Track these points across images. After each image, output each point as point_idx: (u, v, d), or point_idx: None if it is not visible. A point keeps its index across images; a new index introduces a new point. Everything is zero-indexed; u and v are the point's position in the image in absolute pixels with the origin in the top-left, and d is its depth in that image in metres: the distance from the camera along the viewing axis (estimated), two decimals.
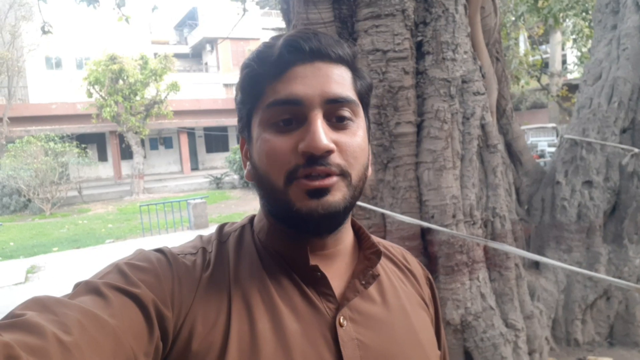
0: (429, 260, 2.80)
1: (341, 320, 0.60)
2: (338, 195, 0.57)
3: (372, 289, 0.66)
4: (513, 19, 12.55)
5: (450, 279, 2.74)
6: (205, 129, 25.59)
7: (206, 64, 33.06)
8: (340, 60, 0.61)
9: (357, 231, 0.71)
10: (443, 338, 0.78)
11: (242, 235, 0.67)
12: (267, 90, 0.60)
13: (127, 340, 0.48)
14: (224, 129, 26.26)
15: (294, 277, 0.62)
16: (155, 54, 21.73)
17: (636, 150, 2.92)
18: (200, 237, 0.68)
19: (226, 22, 26.77)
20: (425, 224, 2.63)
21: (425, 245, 2.83)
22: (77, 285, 0.53)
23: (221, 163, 23.29)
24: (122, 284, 0.52)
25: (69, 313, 0.45)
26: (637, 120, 3.21)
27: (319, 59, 0.59)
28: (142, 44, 25.73)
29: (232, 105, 25.26)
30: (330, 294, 0.62)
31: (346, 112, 0.60)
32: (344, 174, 0.58)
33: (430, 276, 0.80)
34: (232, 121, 24.79)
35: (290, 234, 0.63)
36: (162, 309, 0.53)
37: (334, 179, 0.57)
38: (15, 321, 0.43)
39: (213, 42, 31.10)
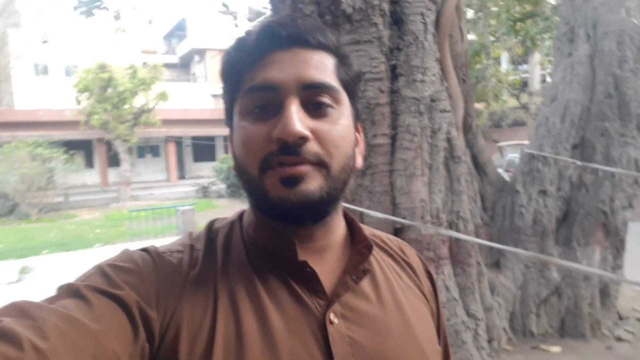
0: None
1: (331, 317, 0.58)
2: (313, 184, 0.56)
3: (365, 284, 0.64)
4: (492, 39, 13.14)
5: None
6: (193, 138, 25.82)
7: (194, 74, 33.35)
8: (320, 46, 0.59)
9: (350, 224, 0.69)
10: (444, 332, 0.75)
11: (231, 231, 0.66)
12: (245, 77, 0.59)
13: (109, 344, 0.47)
14: (211, 138, 26.53)
15: (283, 273, 0.60)
16: (144, 63, 21.97)
17: (579, 162, 3.34)
18: (190, 234, 0.66)
19: (214, 34, 27.22)
20: (402, 221, 3.01)
21: None
22: (59, 289, 0.52)
23: (208, 172, 23.49)
24: (104, 286, 0.51)
25: (47, 318, 0.45)
26: (585, 137, 3.65)
27: (297, 44, 0.58)
28: (131, 53, 25.95)
29: (219, 115, 25.53)
30: (320, 290, 0.60)
31: (325, 99, 0.58)
32: (321, 164, 0.56)
33: (429, 269, 0.77)
34: (220, 131, 25.09)
35: (277, 228, 0.61)
36: (146, 310, 0.52)
37: (307, 167, 0.55)
38: None
39: (201, 53, 31.46)
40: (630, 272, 3.98)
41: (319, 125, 0.57)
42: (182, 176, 26.44)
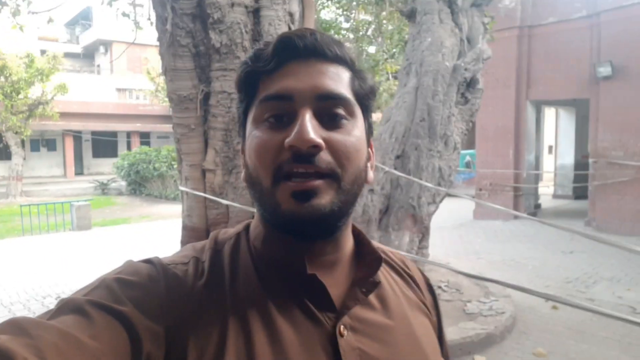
0: None
1: (341, 330, 0.58)
2: (326, 198, 0.55)
3: (373, 296, 0.64)
4: (386, 57, 14.62)
5: None
6: (93, 133, 24.95)
7: (98, 66, 32.09)
8: (337, 59, 0.60)
9: (357, 237, 0.69)
10: (446, 345, 0.76)
11: (238, 243, 0.65)
12: (260, 87, 0.59)
13: None
14: (114, 134, 25.81)
15: (291, 286, 0.60)
16: (42, 52, 20.95)
17: (387, 168, 4.45)
18: (193, 245, 0.66)
19: (122, 25, 26.51)
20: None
21: None
22: (61, 302, 0.51)
23: (108, 169, 22.90)
24: (107, 302, 0.51)
25: (45, 336, 0.44)
26: (405, 150, 4.79)
27: (314, 56, 0.59)
28: (29, 39, 24.51)
29: (124, 110, 24.99)
30: (329, 303, 0.59)
31: (340, 110, 0.58)
32: (333, 175, 0.56)
33: (430, 282, 0.78)
34: (123, 126, 24.53)
35: (286, 241, 0.60)
36: (151, 326, 0.51)
37: (320, 181, 0.55)
38: None
39: (107, 44, 30.40)
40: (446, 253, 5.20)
41: (333, 135, 0.57)
42: (80, 172, 25.44)
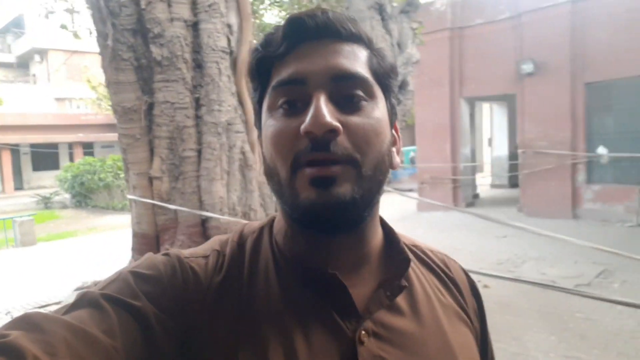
0: (206, 239, 4.24)
1: (362, 336, 0.54)
2: (345, 186, 0.52)
3: (402, 300, 0.59)
4: None
5: None
6: (32, 145, 23.92)
7: (34, 75, 30.72)
8: (352, 36, 0.56)
9: (388, 234, 0.64)
10: (492, 354, 0.72)
11: (260, 237, 0.63)
12: (273, 73, 0.57)
13: (119, 357, 0.46)
14: (55, 145, 24.83)
15: (311, 285, 0.57)
16: None
17: None
18: (219, 238, 0.64)
19: (58, 33, 25.56)
20: (206, 213, 4.08)
21: (203, 230, 4.27)
22: (78, 295, 0.51)
23: (51, 182, 22.05)
24: (123, 296, 0.50)
25: (57, 331, 0.44)
26: None
27: (326, 36, 0.55)
28: None
29: (65, 120, 24.13)
30: (350, 306, 0.55)
31: (358, 91, 0.54)
32: (352, 161, 0.52)
33: (475, 285, 0.71)
34: (64, 137, 23.68)
35: (307, 235, 0.58)
36: (165, 320, 0.51)
37: (338, 166, 0.51)
38: None
39: (43, 52, 29.18)
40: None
41: (351, 118, 0.53)
42: (19, 187, 24.31)
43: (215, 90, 4.20)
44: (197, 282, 0.56)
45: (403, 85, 5.59)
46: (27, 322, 0.45)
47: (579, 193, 9.21)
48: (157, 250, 4.15)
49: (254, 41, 4.70)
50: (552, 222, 8.64)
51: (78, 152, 24.24)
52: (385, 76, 0.59)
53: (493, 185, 14.43)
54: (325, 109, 0.51)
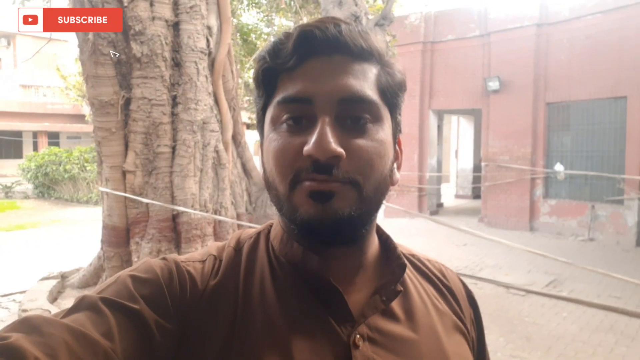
0: (176, 234, 4.34)
1: (357, 340, 0.55)
2: (344, 202, 0.53)
3: (397, 306, 0.60)
4: None
5: (188, 246, 4.31)
6: None
7: (0, 60, 29.71)
8: (362, 54, 0.56)
9: (385, 242, 0.66)
10: None
11: (257, 243, 0.64)
12: (279, 85, 0.56)
13: (118, 359, 0.47)
14: (19, 133, 24.08)
15: (307, 291, 0.58)
16: None
17: None
18: (217, 244, 0.65)
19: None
20: (178, 208, 4.18)
21: (174, 225, 4.37)
22: (77, 299, 0.52)
23: (13, 171, 21.36)
24: (121, 299, 0.51)
25: (57, 334, 0.45)
26: None
27: (337, 52, 0.55)
28: None
29: (30, 108, 23.44)
30: (345, 311, 0.56)
31: (364, 114, 0.55)
32: (353, 183, 0.53)
33: (472, 294, 0.72)
34: (29, 126, 23.01)
35: (304, 244, 0.58)
36: (162, 323, 0.52)
37: (338, 184, 0.52)
38: None
39: (10, 37, 28.29)
40: None
41: (355, 142, 0.54)
42: None
43: (192, 89, 4.32)
44: (193, 285, 0.57)
45: None
46: (27, 325, 0.46)
47: (537, 207, 9.68)
48: (126, 242, 4.22)
49: (231, 42, 4.84)
50: (511, 233, 9.06)
51: (43, 141, 23.56)
52: (393, 94, 0.60)
53: (457, 196, 14.90)
54: (330, 135, 0.51)
